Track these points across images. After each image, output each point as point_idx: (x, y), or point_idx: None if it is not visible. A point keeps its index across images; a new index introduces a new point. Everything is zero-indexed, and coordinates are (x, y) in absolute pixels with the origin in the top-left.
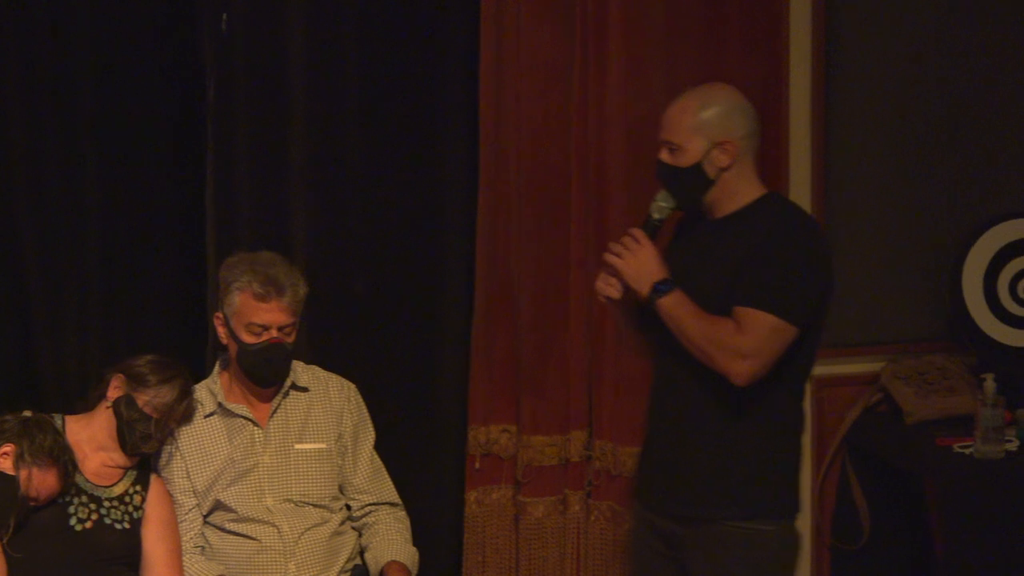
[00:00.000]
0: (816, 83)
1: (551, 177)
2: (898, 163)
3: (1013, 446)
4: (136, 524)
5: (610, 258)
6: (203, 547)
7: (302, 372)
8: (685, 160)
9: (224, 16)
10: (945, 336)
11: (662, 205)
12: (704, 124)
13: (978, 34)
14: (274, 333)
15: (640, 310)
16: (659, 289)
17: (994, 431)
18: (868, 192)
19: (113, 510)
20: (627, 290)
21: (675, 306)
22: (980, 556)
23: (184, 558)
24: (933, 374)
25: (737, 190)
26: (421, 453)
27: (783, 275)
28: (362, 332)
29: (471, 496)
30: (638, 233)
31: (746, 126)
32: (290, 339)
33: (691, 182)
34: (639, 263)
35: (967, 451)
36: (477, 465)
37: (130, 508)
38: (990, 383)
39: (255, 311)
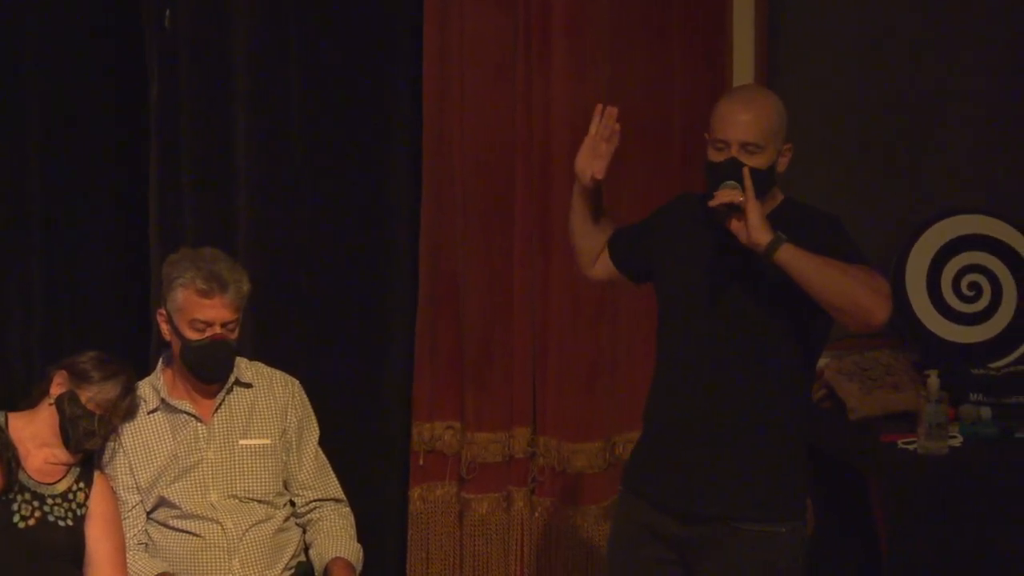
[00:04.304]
0: (759, 81)
1: (495, 172)
2: (841, 161)
3: (957, 442)
4: (80, 521)
5: (734, 197)
6: (147, 544)
7: (246, 368)
8: (763, 162)
9: (167, 12)
10: (889, 332)
11: (734, 187)
12: (779, 128)
13: (920, 33)
14: (217, 329)
15: (671, 317)
16: (782, 236)
17: (938, 427)
18: (811, 190)
19: (56, 507)
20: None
21: (799, 249)
22: (924, 551)
23: (128, 555)
24: (877, 370)
25: (772, 193)
26: (365, 449)
27: (862, 251)
28: (306, 328)
29: (415, 493)
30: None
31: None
32: (233, 335)
33: (765, 183)
34: (759, 209)
35: (911, 447)
36: (421, 462)
37: (73, 505)
38: (934, 379)
39: (198, 307)
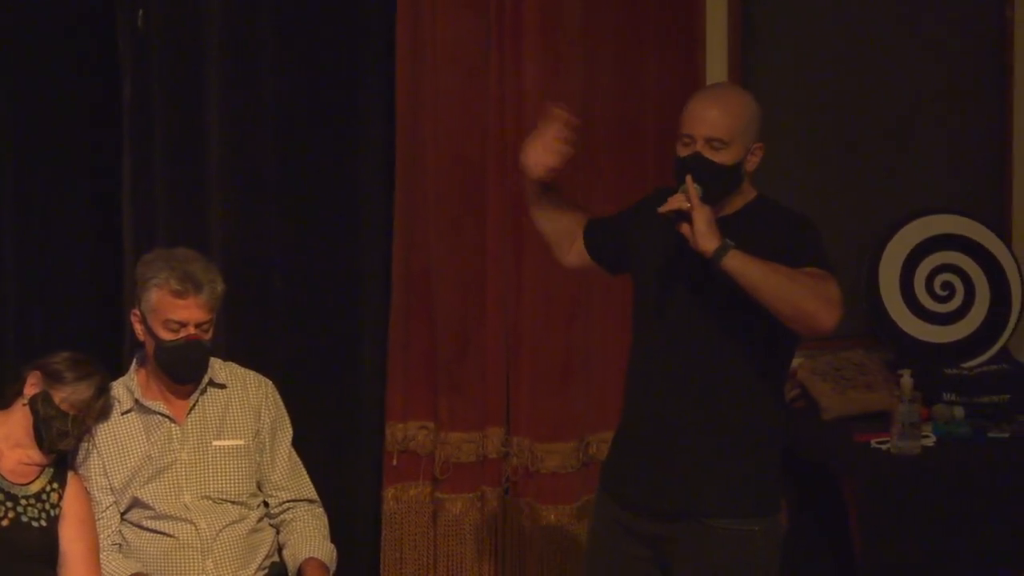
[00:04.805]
0: (732, 80)
1: (468, 173)
2: (814, 159)
3: (930, 442)
4: (53, 522)
5: (682, 203)
6: (120, 545)
7: (219, 369)
8: (729, 158)
9: (140, 12)
10: (862, 332)
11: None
12: (748, 126)
13: (892, 32)
14: (191, 330)
15: (644, 308)
16: (729, 243)
17: (911, 427)
18: (784, 188)
19: (30, 508)
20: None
21: (747, 256)
22: (897, 551)
23: (101, 556)
24: (850, 370)
25: (743, 190)
26: (339, 450)
27: (825, 253)
28: (279, 329)
29: (389, 493)
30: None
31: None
32: (207, 336)
33: (730, 180)
34: (711, 215)
35: (884, 447)
36: (395, 462)
37: (47, 506)
38: (907, 379)
39: (172, 308)
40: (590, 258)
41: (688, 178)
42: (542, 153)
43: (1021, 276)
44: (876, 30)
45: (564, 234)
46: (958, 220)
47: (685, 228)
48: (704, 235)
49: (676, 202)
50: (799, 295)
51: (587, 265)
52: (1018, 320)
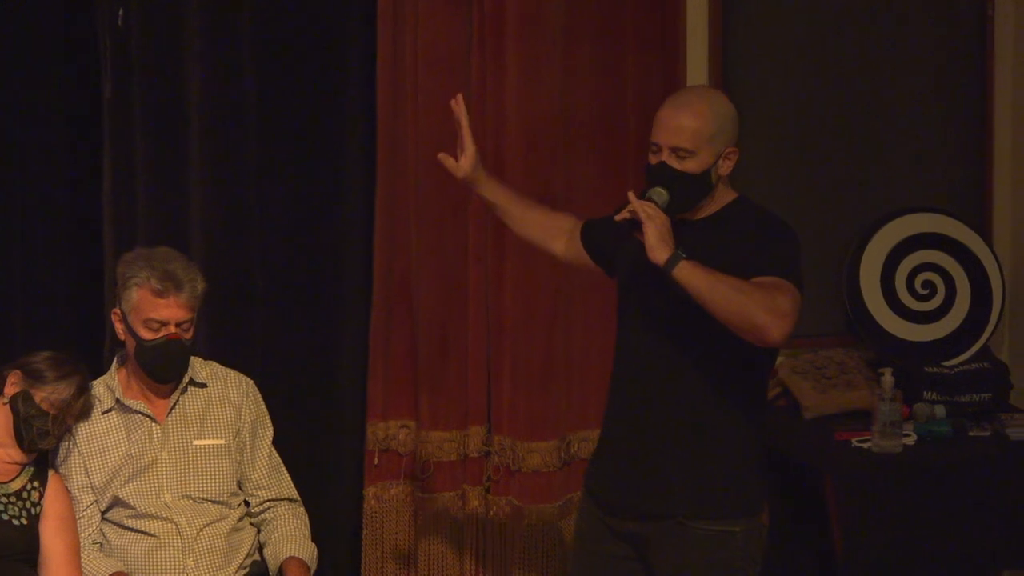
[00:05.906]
0: (713, 81)
1: (449, 173)
2: (795, 158)
3: (910, 440)
4: (34, 520)
5: (631, 214)
6: (101, 543)
7: (200, 368)
8: (696, 166)
9: (120, 11)
10: (843, 331)
11: (662, 193)
12: (718, 133)
13: (873, 31)
14: (172, 329)
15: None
16: (680, 254)
17: (892, 425)
18: (765, 187)
19: (11, 506)
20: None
21: (698, 267)
22: (878, 549)
23: (82, 554)
24: (831, 368)
25: (719, 194)
26: (320, 449)
27: (791, 260)
28: (260, 328)
29: (370, 492)
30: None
31: (737, 134)
32: (188, 335)
33: (698, 188)
34: (664, 226)
35: (865, 445)
36: (376, 461)
37: (28, 504)
38: (888, 378)
39: (153, 307)
40: (592, 261)
41: (630, 193)
42: (458, 153)
43: (1002, 274)
44: (857, 29)
45: (548, 233)
46: (939, 219)
47: (640, 236)
48: (653, 248)
49: (628, 212)
50: (747, 307)
51: (585, 265)
52: (999, 319)
